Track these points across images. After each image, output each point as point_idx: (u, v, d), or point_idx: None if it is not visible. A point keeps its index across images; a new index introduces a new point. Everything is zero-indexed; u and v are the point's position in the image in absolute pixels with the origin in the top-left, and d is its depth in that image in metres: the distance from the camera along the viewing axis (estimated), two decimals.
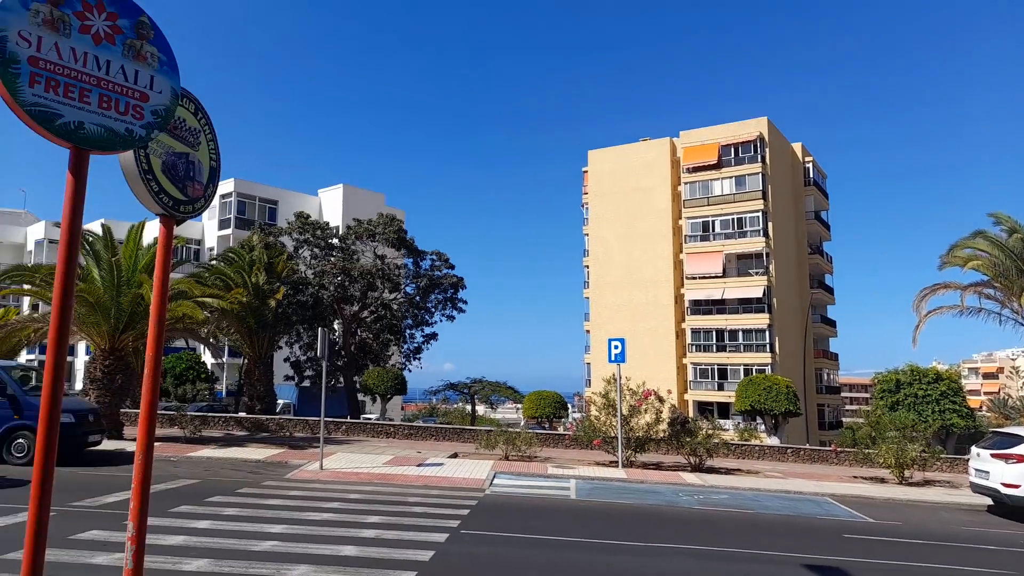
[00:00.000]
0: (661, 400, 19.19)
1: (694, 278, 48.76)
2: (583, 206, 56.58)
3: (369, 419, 29.95)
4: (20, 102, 3.40)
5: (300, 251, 33.18)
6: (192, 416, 21.69)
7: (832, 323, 59.03)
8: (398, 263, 34.78)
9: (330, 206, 52.66)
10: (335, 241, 34.00)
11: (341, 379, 33.24)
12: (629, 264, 51.23)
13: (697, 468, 18.53)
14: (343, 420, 25.29)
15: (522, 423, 35.88)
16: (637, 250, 51.09)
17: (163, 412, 23.44)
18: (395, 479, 14.74)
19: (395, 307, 34.53)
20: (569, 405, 33.32)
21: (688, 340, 48.82)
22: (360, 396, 33.90)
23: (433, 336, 36.58)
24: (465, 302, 36.21)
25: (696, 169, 49.69)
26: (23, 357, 47.48)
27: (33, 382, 16.32)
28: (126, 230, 20.54)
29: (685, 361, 48.64)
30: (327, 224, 35.45)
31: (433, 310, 35.84)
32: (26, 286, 21.89)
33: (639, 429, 18.79)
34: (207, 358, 37.09)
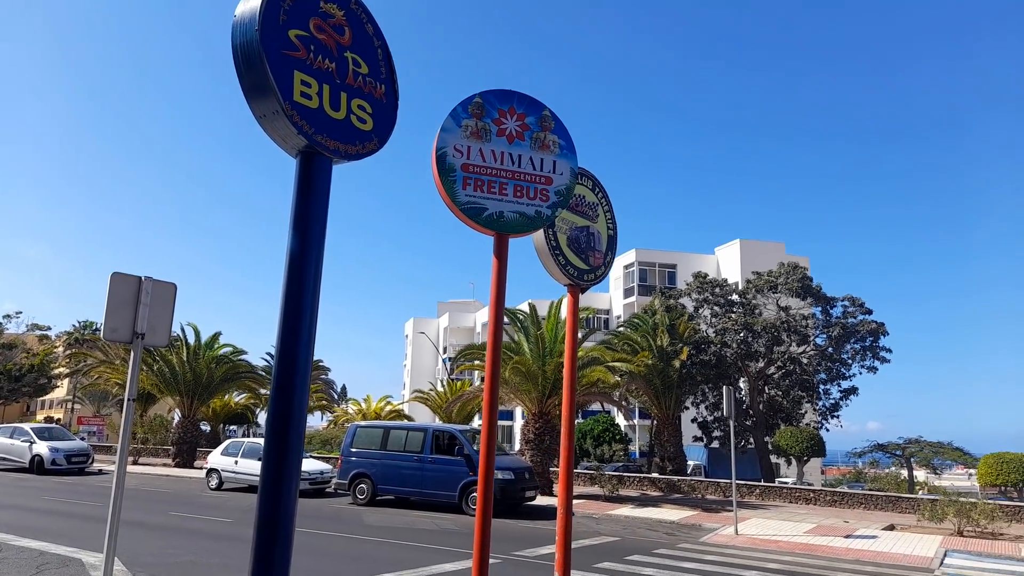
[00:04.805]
0: None
1: None
2: None
3: (785, 483, 28.15)
4: (456, 203, 4.10)
5: (700, 311, 33.38)
6: (610, 476, 22.95)
7: None
8: (804, 313, 32.68)
9: (727, 262, 52.43)
10: (735, 297, 33.52)
11: (751, 440, 32.02)
12: None
13: None
14: (756, 483, 24.18)
15: (978, 492, 29.94)
16: None
17: (583, 471, 25.32)
18: (819, 550, 13.45)
19: (805, 361, 32.32)
20: None
21: None
22: (773, 458, 32.13)
23: (852, 391, 33.13)
24: (889, 351, 32.17)
25: None
26: (475, 422, 56.10)
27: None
28: (546, 307, 23.17)
29: None
30: (725, 281, 35.23)
31: (850, 362, 32.60)
32: (476, 362, 25.95)
33: None
34: (620, 420, 39.17)
